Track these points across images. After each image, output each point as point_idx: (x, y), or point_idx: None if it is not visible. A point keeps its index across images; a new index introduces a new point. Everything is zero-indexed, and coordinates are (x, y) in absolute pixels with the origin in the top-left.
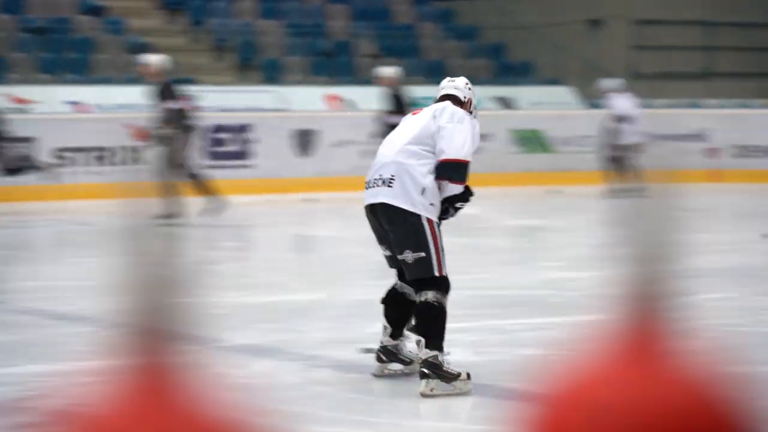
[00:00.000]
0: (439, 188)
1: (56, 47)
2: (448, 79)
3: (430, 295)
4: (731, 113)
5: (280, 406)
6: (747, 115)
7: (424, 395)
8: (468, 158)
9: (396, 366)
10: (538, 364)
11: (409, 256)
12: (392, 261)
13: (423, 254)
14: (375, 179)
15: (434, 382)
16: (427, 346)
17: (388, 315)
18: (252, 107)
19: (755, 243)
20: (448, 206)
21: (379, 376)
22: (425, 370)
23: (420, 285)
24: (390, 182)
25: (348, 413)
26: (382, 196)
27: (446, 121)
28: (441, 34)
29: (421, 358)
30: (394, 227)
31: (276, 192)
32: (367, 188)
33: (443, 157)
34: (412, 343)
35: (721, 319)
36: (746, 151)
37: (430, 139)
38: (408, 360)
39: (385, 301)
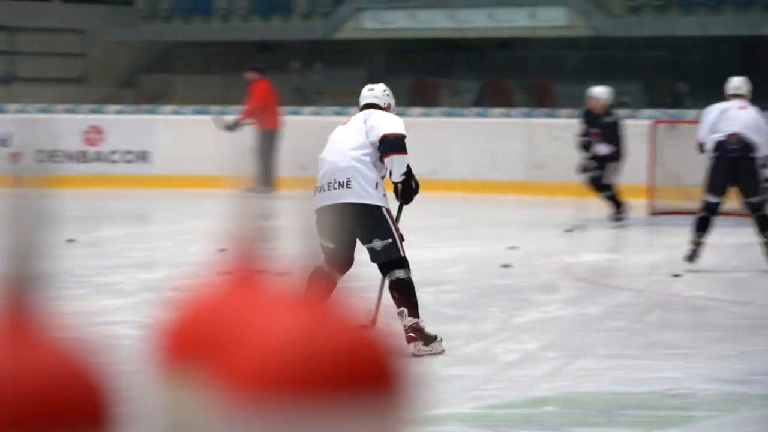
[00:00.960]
0: (386, 171)
1: None
2: (367, 87)
3: (401, 273)
4: (33, 117)
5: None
6: (49, 119)
7: (414, 355)
8: (403, 132)
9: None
10: None
11: (377, 243)
12: (332, 254)
13: (390, 240)
14: (330, 183)
15: (420, 344)
16: (410, 315)
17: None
18: None
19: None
20: (403, 197)
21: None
22: (412, 335)
23: (389, 266)
24: (348, 184)
25: None
26: (346, 197)
27: (375, 118)
28: None
29: (405, 325)
30: (361, 221)
31: None
32: (321, 192)
33: (383, 132)
34: None
35: None
36: (48, 155)
37: (367, 140)
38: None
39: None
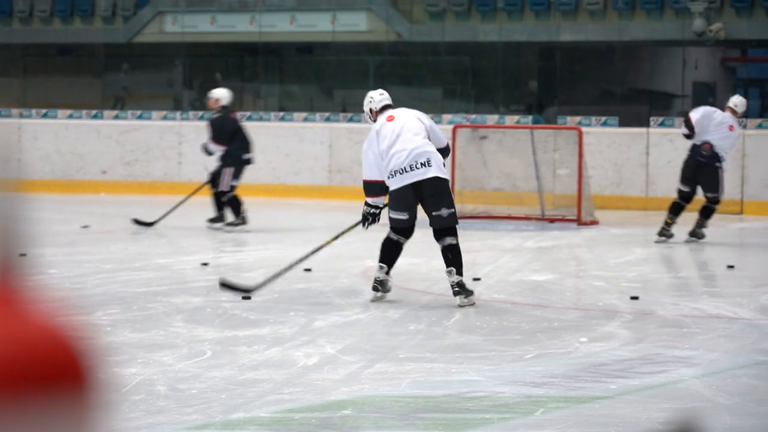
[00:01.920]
0: None
1: None
2: (378, 92)
3: (454, 240)
4: None
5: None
6: None
7: (461, 305)
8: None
9: (382, 293)
10: None
11: (444, 211)
12: (404, 223)
13: (453, 210)
14: (413, 165)
15: (462, 297)
16: (457, 273)
17: (387, 258)
18: None
19: None
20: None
21: (374, 300)
22: (457, 289)
23: (446, 233)
24: (429, 163)
25: None
26: (430, 172)
27: (427, 120)
28: None
29: (453, 281)
30: (438, 191)
31: None
32: (403, 173)
33: (444, 144)
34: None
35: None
36: None
37: (426, 132)
38: (389, 288)
39: (385, 248)
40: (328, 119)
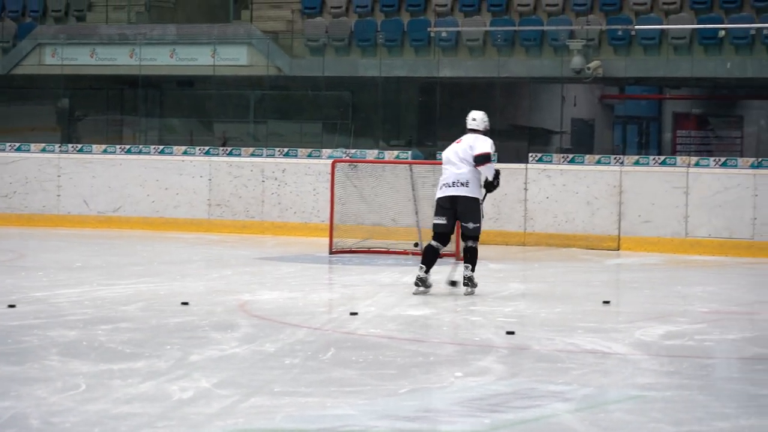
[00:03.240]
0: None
1: None
2: (470, 116)
3: (473, 243)
4: None
5: None
6: None
7: (467, 294)
8: (488, 150)
9: (424, 289)
10: None
11: (470, 225)
12: (442, 228)
13: (478, 225)
14: (455, 182)
15: (470, 288)
16: (471, 270)
17: (428, 260)
18: None
19: None
20: (487, 189)
21: (416, 294)
22: (468, 282)
23: (469, 239)
24: (467, 184)
25: None
26: (464, 192)
27: (475, 142)
28: None
29: (466, 275)
30: (467, 208)
31: None
32: (447, 187)
33: (475, 153)
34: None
35: None
36: None
37: (471, 157)
38: (430, 285)
39: (426, 253)
40: (207, 153)
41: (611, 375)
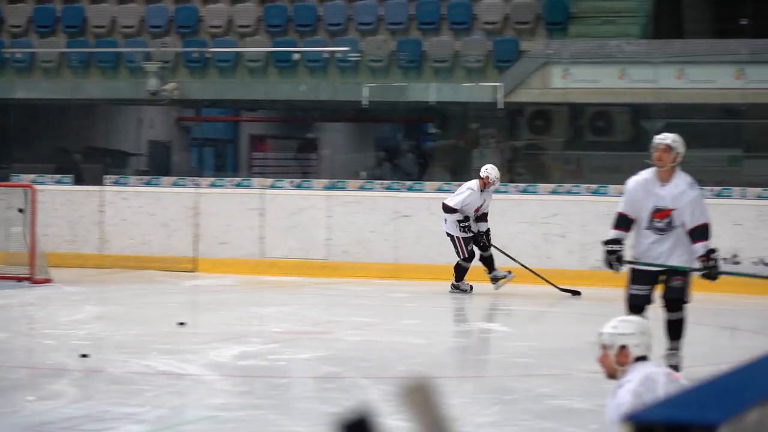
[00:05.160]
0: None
1: None
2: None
3: (465, 264)
4: None
5: None
6: None
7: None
8: (448, 204)
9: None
10: None
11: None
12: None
13: (457, 255)
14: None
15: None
16: (457, 280)
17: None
18: None
19: None
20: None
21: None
22: (455, 289)
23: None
24: (444, 221)
25: None
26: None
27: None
28: None
29: (453, 283)
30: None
31: None
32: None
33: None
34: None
35: None
36: None
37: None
38: (466, 289)
39: (457, 268)
40: None
41: (185, 396)
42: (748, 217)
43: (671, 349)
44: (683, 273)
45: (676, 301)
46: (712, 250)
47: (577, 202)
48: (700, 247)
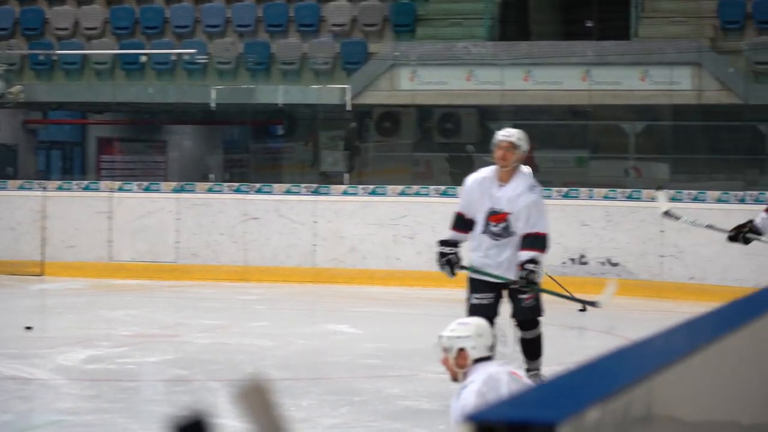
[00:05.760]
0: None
1: None
2: None
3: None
4: None
5: None
6: None
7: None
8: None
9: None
10: None
11: None
12: None
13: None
14: None
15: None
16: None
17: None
18: None
19: None
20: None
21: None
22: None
23: None
24: None
25: None
26: None
27: None
28: None
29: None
30: None
31: None
32: None
33: None
34: None
35: None
36: None
37: None
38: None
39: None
40: None
41: (32, 401)
42: (595, 217)
43: (530, 370)
44: (532, 290)
45: (528, 321)
46: (532, 260)
47: (426, 203)
48: (523, 254)
